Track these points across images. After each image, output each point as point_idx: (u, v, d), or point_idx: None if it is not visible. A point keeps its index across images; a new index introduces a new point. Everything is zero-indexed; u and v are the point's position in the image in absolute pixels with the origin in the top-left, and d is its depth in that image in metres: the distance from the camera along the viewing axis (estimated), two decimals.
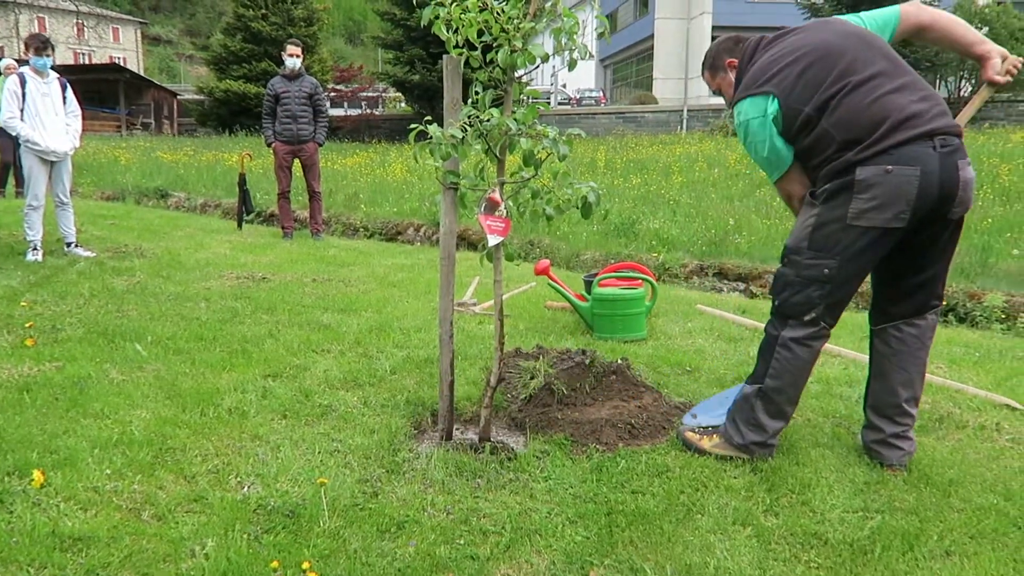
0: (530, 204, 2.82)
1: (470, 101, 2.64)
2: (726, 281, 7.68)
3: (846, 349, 4.40)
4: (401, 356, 3.97)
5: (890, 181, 2.44)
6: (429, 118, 2.59)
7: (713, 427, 2.90)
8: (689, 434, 2.89)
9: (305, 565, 2.00)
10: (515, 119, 2.59)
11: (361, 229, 10.46)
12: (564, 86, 41.14)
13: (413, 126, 2.61)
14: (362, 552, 2.14)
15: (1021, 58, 2.70)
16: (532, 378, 3.33)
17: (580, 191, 2.72)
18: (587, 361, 3.53)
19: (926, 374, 2.94)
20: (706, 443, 2.83)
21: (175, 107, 38.53)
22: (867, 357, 2.99)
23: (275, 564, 1.98)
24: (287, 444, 2.83)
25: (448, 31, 2.62)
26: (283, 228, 8.77)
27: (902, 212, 2.46)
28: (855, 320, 5.15)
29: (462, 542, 2.21)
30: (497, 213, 2.68)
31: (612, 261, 7.72)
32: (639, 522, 2.34)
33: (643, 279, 4.86)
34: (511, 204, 2.79)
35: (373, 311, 5.05)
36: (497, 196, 2.68)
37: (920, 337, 2.74)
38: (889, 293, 2.79)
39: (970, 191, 2.53)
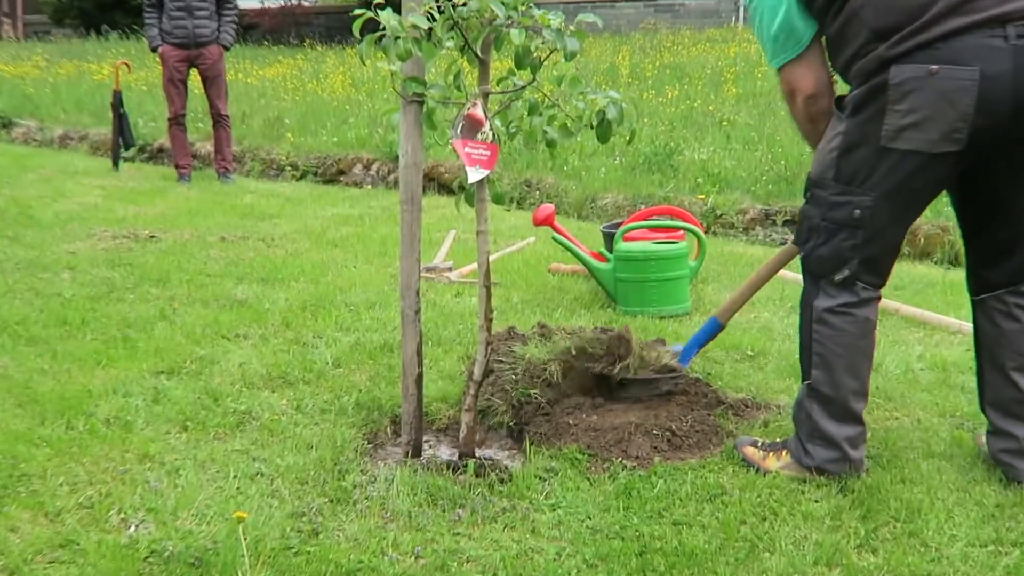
0: (526, 123, 2.80)
1: None
2: None
3: (969, 323, 4.42)
4: (348, 342, 3.97)
5: (935, 87, 2.42)
6: (381, 1, 2.55)
7: (782, 442, 2.93)
8: (749, 450, 2.92)
9: None
10: (503, 2, 2.55)
11: (288, 167, 10.39)
12: None
13: (358, 11, 2.57)
14: None
15: None
16: (531, 370, 3.33)
17: (596, 103, 2.70)
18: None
19: None
20: (772, 463, 2.85)
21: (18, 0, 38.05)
22: None
23: None
24: (189, 466, 2.83)
25: None
26: (177, 167, 8.72)
27: (955, 131, 2.45)
28: None
29: None
30: (479, 136, 2.66)
31: (642, 206, 7.70)
32: (684, 564, 2.35)
33: (686, 230, 4.86)
34: (499, 124, 2.77)
35: (307, 280, 5.04)
36: (479, 112, 2.66)
37: None
38: (980, 250, 2.81)
39: None
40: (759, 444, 2.93)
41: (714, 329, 3.38)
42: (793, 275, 5.14)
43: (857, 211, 2.58)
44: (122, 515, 2.55)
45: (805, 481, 2.77)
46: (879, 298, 2.74)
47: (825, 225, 2.65)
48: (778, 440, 2.96)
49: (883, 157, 2.53)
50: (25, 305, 4.39)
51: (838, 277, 2.67)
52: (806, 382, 2.80)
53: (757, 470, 2.84)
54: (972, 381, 3.59)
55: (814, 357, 2.75)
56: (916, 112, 2.45)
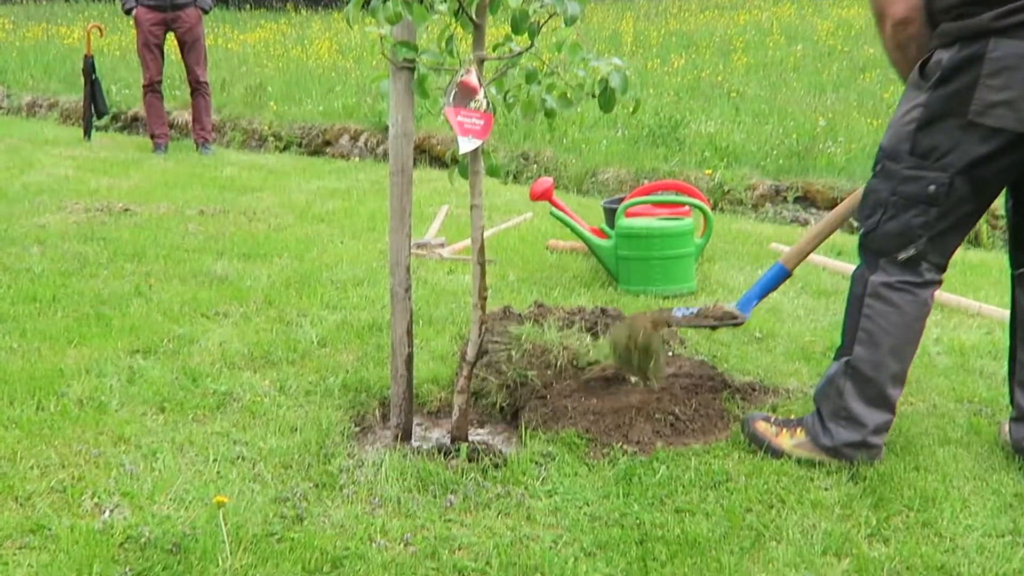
0: (523, 92, 2.80)
1: None
2: (813, 210, 7.70)
3: (990, 305, 4.44)
4: (334, 321, 3.98)
5: None
6: None
7: (797, 419, 2.94)
8: (761, 425, 2.93)
9: None
10: None
11: (271, 138, 10.39)
12: None
13: None
14: None
15: None
16: (527, 350, 3.35)
17: (598, 71, 2.70)
18: (609, 325, 3.55)
19: None
20: (784, 440, 2.87)
21: None
22: None
23: None
24: (167, 449, 2.84)
25: None
26: (153, 137, 8.70)
27: None
28: (1002, 262, 5.18)
29: None
30: (473, 105, 2.66)
31: (646, 181, 7.71)
32: (686, 552, 2.37)
33: (691, 205, 4.86)
34: (495, 92, 2.77)
35: (291, 256, 5.04)
36: (473, 79, 2.66)
37: None
38: None
39: None
40: (772, 420, 2.95)
41: (780, 276, 3.25)
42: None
43: (932, 187, 2.58)
44: (96, 499, 2.55)
45: (815, 467, 2.79)
46: (940, 283, 2.75)
47: (895, 200, 2.65)
48: (793, 417, 2.98)
49: (967, 132, 2.52)
50: None
51: (903, 255, 2.67)
52: (844, 359, 2.79)
53: (767, 448, 2.85)
54: (991, 365, 3.64)
55: (860, 333, 2.74)
56: (1011, 90, 2.44)
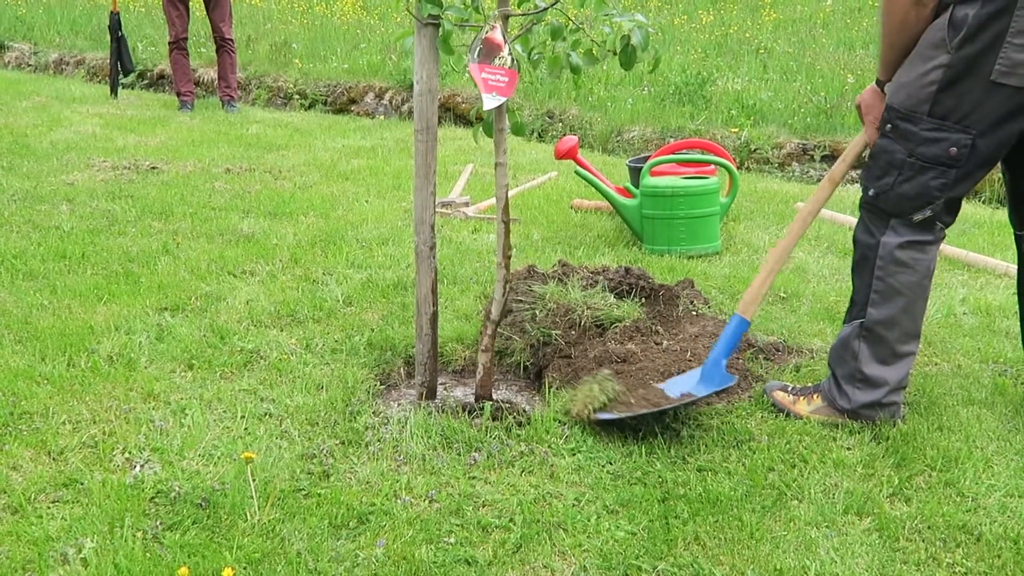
0: (548, 48, 2.78)
1: None
2: None
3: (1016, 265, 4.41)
4: (359, 279, 4.00)
5: None
6: None
7: (813, 386, 2.95)
8: (779, 395, 2.94)
9: (226, 573, 2.07)
10: None
11: (296, 96, 10.38)
12: None
13: None
14: (308, 555, 2.20)
15: None
16: (551, 309, 3.36)
17: (620, 27, 2.69)
18: (633, 285, 3.55)
19: None
20: (802, 407, 2.88)
21: None
22: None
23: (183, 572, 2.05)
24: (196, 406, 2.88)
25: None
26: (179, 95, 8.71)
27: None
28: None
29: (452, 541, 2.27)
30: (497, 62, 2.65)
31: (671, 139, 7.67)
32: (708, 511, 2.39)
33: (717, 164, 4.83)
34: (518, 49, 2.75)
35: (317, 215, 5.06)
36: (498, 36, 2.64)
37: None
38: None
39: None
40: (789, 389, 2.96)
41: (741, 328, 2.96)
42: (830, 214, 5.14)
43: (953, 149, 2.55)
44: (126, 455, 2.60)
45: (837, 427, 2.79)
46: (944, 237, 2.75)
47: (912, 162, 2.62)
48: (809, 384, 2.99)
49: (991, 93, 2.48)
50: (22, 238, 4.43)
51: (918, 217, 2.65)
52: (858, 321, 2.79)
53: (787, 415, 2.87)
54: (1017, 326, 3.61)
55: (873, 295, 2.74)
56: None
